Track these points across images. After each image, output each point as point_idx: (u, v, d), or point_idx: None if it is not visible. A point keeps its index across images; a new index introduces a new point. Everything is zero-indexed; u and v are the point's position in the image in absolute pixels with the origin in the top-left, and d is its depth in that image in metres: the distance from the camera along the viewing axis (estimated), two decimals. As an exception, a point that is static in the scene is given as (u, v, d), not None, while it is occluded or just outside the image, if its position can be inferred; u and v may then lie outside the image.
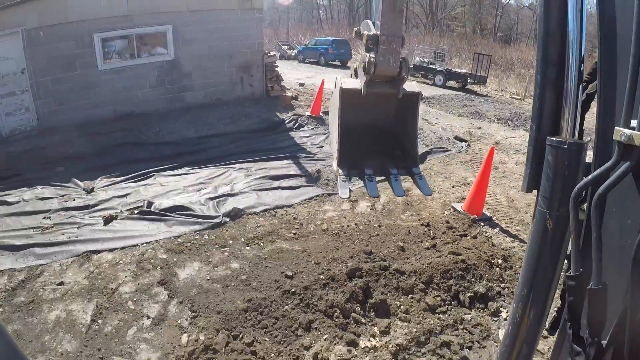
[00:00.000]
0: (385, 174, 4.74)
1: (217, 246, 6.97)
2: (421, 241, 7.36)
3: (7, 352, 1.07)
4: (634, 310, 1.68)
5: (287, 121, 13.59)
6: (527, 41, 50.34)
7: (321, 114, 14.42)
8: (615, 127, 1.77)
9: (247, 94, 15.80)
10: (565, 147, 2.01)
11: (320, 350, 5.07)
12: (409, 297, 5.95)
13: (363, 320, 5.55)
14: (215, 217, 7.76)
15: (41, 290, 6.16)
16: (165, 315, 5.62)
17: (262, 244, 7.07)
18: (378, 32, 4.10)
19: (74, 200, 8.73)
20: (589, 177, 1.88)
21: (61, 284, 6.25)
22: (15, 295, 6.08)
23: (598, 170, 1.84)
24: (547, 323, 2.32)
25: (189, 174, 9.79)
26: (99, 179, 9.54)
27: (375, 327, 5.48)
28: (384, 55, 4.10)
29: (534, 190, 2.18)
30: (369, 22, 4.47)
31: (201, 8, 14.44)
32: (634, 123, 1.72)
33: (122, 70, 13.94)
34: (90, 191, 9.05)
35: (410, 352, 5.14)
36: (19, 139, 12.54)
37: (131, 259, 6.68)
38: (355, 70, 4.61)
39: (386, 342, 5.23)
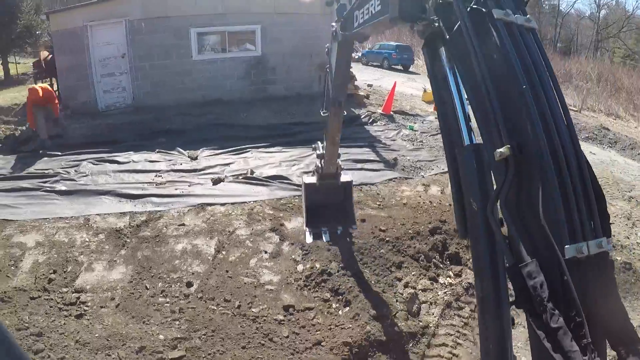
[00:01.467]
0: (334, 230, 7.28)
1: (315, 208, 7.89)
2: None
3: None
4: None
5: (362, 116, 14.46)
6: (587, 53, 48.52)
7: (391, 112, 15.26)
8: (494, 152, 2.41)
9: (323, 91, 16.58)
10: (466, 148, 2.73)
11: (410, 281, 6.22)
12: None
13: (441, 265, 6.79)
14: (311, 186, 8.70)
15: (164, 228, 7.20)
16: (280, 251, 6.60)
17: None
18: (323, 152, 7.08)
19: (181, 164, 9.83)
20: (493, 193, 2.47)
21: (182, 225, 7.28)
22: (140, 230, 7.14)
23: (496, 187, 2.44)
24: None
25: (281, 152, 10.77)
26: (200, 149, 10.62)
27: (451, 271, 6.74)
28: (326, 165, 7.07)
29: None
30: (319, 143, 7.50)
31: (287, 11, 15.52)
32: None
33: (214, 62, 15.21)
34: (194, 159, 10.14)
35: None
36: (115, 114, 13.89)
37: (242, 212, 7.65)
38: (313, 172, 7.59)
39: (459, 281, 6.31)
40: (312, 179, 7.50)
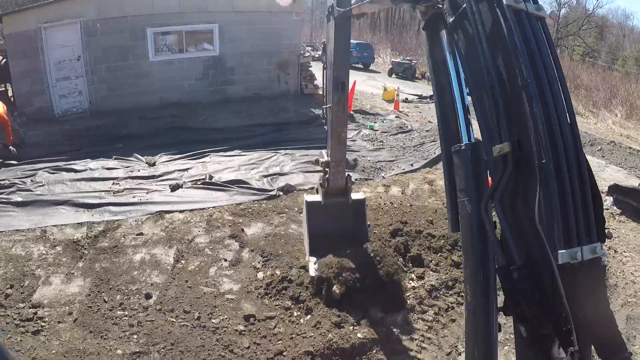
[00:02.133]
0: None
1: (275, 212, 7.99)
2: (447, 218, 8.33)
3: None
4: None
5: (321, 116, 14.57)
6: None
7: (351, 112, 15.40)
8: (492, 147, 2.35)
9: (283, 90, 16.74)
10: (464, 148, 2.58)
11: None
12: (438, 255, 7.25)
13: (404, 268, 6.73)
14: (271, 191, 8.81)
15: (122, 238, 7.19)
16: (240, 259, 6.68)
17: (313, 213, 8.08)
18: (329, 159, 6.14)
19: (139, 171, 9.78)
20: (488, 190, 2.38)
21: (140, 234, 7.28)
22: (97, 241, 7.12)
23: (492, 183, 2.36)
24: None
25: (241, 155, 10.83)
26: (158, 155, 10.59)
27: (413, 274, 6.75)
28: (333, 174, 6.11)
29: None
30: (323, 151, 6.50)
31: (246, 9, 15.48)
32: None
33: (171, 63, 15.05)
34: (152, 165, 10.11)
35: (441, 292, 6.48)
36: (72, 119, 13.65)
37: (201, 219, 7.68)
38: (317, 189, 6.55)
39: (422, 284, 6.44)
40: (315, 197, 6.54)
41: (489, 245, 2.43)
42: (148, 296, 5.94)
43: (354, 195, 6.59)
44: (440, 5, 2.75)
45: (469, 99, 2.71)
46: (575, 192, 2.18)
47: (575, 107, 24.71)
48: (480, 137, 2.55)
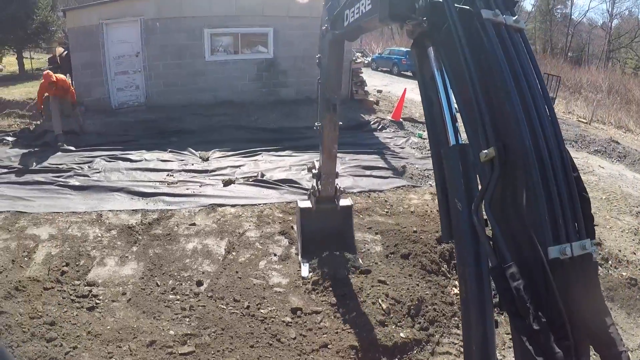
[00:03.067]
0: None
1: (325, 213, 8.00)
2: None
3: None
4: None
5: (371, 122, 14.57)
6: (598, 63, 46.95)
7: (401, 119, 15.37)
8: (480, 153, 2.45)
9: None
10: (452, 149, 2.74)
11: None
12: None
13: (448, 275, 6.71)
14: (321, 191, 8.81)
15: (175, 227, 7.33)
16: (289, 254, 6.72)
17: (361, 216, 8.06)
18: (320, 171, 6.64)
19: (192, 165, 9.98)
20: (478, 194, 2.46)
21: (193, 224, 7.41)
22: (151, 228, 7.28)
23: (481, 188, 2.44)
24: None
25: (292, 156, 10.90)
26: (212, 151, 10.78)
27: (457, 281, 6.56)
28: (324, 185, 6.58)
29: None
30: (315, 161, 7.08)
31: (300, 15, 15.62)
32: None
33: (226, 63, 15.41)
34: (206, 160, 10.30)
35: None
36: (128, 112, 14.11)
37: (252, 214, 7.77)
38: (309, 196, 6.98)
39: None
40: (307, 204, 6.99)
41: (481, 247, 2.52)
42: (199, 283, 6.04)
43: (342, 202, 6.99)
44: (426, 24, 2.90)
45: (456, 108, 2.84)
46: (561, 191, 2.30)
47: (626, 122, 23.88)
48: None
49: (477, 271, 2.61)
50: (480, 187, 2.52)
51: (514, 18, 2.67)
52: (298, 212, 7.01)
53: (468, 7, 2.65)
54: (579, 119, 25.64)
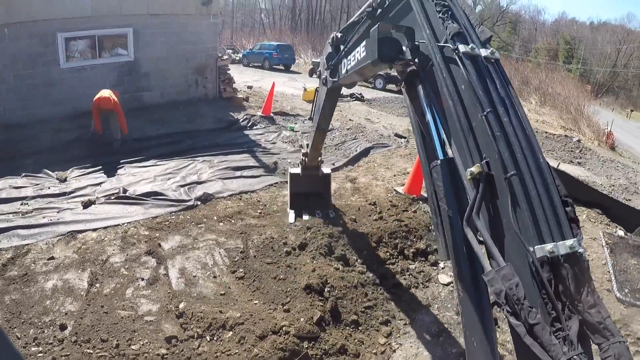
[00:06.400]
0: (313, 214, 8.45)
1: (193, 223, 7.81)
2: (370, 215, 8.57)
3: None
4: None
5: (241, 120, 14.43)
6: None
7: (271, 114, 15.36)
8: (466, 171, 2.87)
9: (201, 95, 16.50)
10: (440, 164, 3.16)
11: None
12: (364, 253, 7.43)
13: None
14: (188, 201, 8.59)
15: (32, 264, 6.79)
16: (158, 276, 6.46)
17: (233, 221, 7.98)
18: (308, 151, 8.22)
19: (49, 188, 9.26)
20: (468, 208, 2.78)
21: (51, 258, 6.89)
22: (6, 270, 6.68)
23: (470, 202, 2.78)
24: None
25: (157, 165, 10.50)
26: (70, 169, 10.08)
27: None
28: (309, 161, 8.42)
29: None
30: (304, 141, 8.91)
31: (161, 12, 15.02)
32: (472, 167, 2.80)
33: (84, 70, 14.34)
34: (63, 180, 9.61)
35: (371, 288, 6.72)
36: (-22, 133, 12.80)
37: (115, 236, 7.39)
38: (299, 164, 8.74)
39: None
40: (296, 170, 8.81)
41: (473, 254, 2.77)
42: (63, 327, 5.60)
43: (324, 170, 8.82)
44: (413, 64, 3.46)
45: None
46: (541, 196, 2.59)
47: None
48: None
49: (472, 274, 2.91)
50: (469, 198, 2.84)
51: (490, 50, 3.13)
52: (289, 175, 8.86)
53: (448, 45, 3.12)
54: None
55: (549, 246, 2.39)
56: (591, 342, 2.31)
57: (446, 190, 3.09)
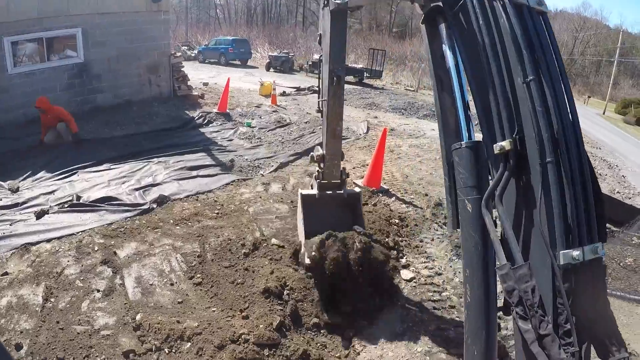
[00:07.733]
0: None
1: (149, 228, 7.74)
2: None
3: None
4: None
5: (196, 118, 14.36)
6: (420, 35, 51.14)
7: (227, 110, 15.27)
8: (494, 145, 2.40)
9: (155, 94, 16.31)
10: (464, 147, 2.54)
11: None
12: None
13: None
14: (143, 204, 8.50)
15: (-16, 282, 6.63)
16: (114, 287, 6.38)
17: (190, 224, 7.94)
18: (324, 152, 6.27)
19: (0, 200, 9.05)
20: (489, 187, 2.36)
21: (5, 274, 6.72)
22: (-43, 292, 6.50)
23: (493, 181, 2.37)
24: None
25: (111, 169, 10.35)
26: (21, 178, 9.86)
27: None
28: (328, 167, 6.30)
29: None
30: (318, 146, 6.75)
31: (110, 10, 14.75)
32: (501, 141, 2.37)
33: (33, 74, 13.97)
34: (15, 191, 9.39)
35: None
36: None
37: (70, 246, 7.27)
38: (311, 184, 6.82)
39: None
40: (310, 191, 6.66)
41: (489, 245, 2.40)
42: (18, 347, 5.44)
43: (350, 190, 6.74)
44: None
45: (469, 93, 2.71)
46: (577, 192, 2.21)
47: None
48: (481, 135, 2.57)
49: (483, 271, 2.48)
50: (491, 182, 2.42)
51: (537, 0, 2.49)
52: (300, 199, 6.62)
53: None
54: (407, 88, 27.45)
55: (575, 252, 2.13)
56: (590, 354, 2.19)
57: (468, 180, 2.52)
